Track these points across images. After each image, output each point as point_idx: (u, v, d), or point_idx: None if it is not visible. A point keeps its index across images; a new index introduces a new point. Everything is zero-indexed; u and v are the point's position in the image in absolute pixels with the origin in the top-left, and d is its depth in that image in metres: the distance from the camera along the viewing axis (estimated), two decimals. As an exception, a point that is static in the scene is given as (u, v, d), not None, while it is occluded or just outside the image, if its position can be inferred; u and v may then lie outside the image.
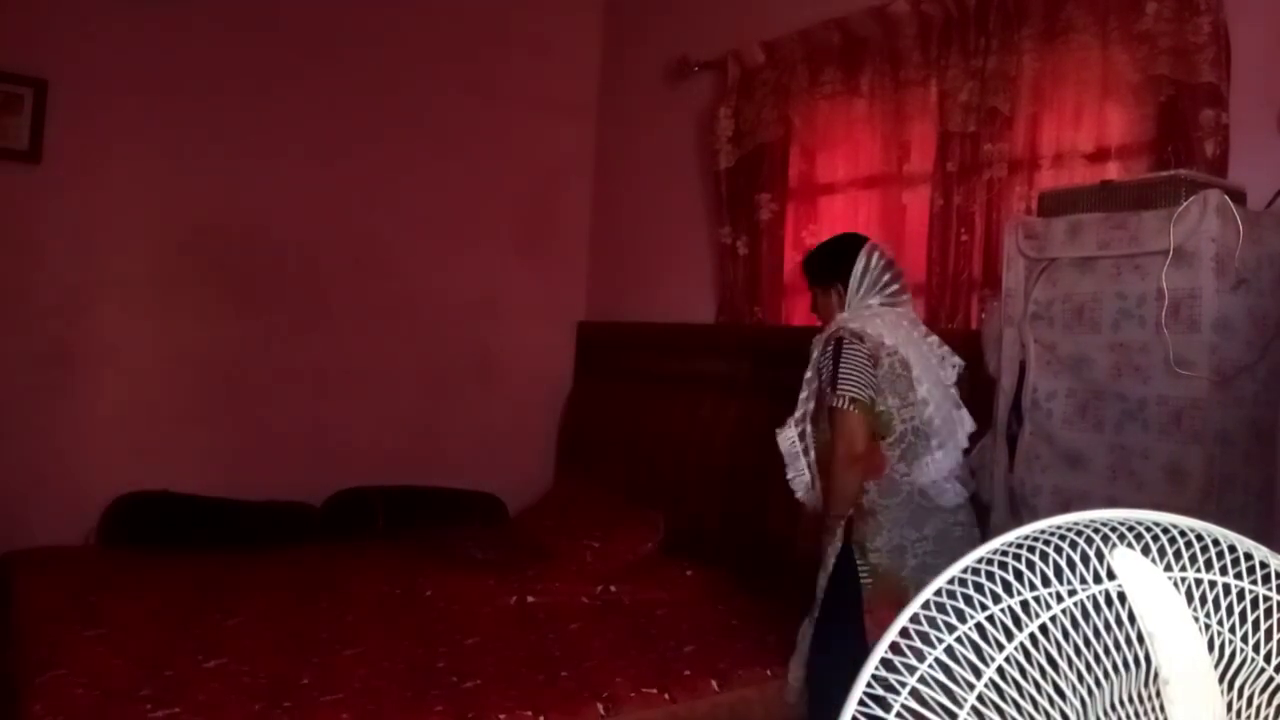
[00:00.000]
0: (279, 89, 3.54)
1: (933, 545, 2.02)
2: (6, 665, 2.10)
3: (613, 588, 2.81)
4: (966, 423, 2.18)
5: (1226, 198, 1.78)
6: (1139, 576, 0.78)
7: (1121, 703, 0.78)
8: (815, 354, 2.21)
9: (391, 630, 2.35)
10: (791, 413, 2.24)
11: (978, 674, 0.78)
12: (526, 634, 2.38)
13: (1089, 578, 0.80)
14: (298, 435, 3.61)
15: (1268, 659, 0.79)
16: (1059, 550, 0.80)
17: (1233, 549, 0.80)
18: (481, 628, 2.40)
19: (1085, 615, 0.80)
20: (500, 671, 2.10)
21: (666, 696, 2.05)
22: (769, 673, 2.24)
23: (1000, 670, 0.78)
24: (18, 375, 3.13)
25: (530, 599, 2.64)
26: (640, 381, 3.82)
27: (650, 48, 4.06)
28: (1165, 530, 0.80)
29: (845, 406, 2.02)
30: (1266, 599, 0.79)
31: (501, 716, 1.87)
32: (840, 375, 2.05)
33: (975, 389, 2.45)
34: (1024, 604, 0.80)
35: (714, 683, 2.14)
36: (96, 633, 2.19)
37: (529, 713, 1.90)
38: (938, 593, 0.81)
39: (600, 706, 1.97)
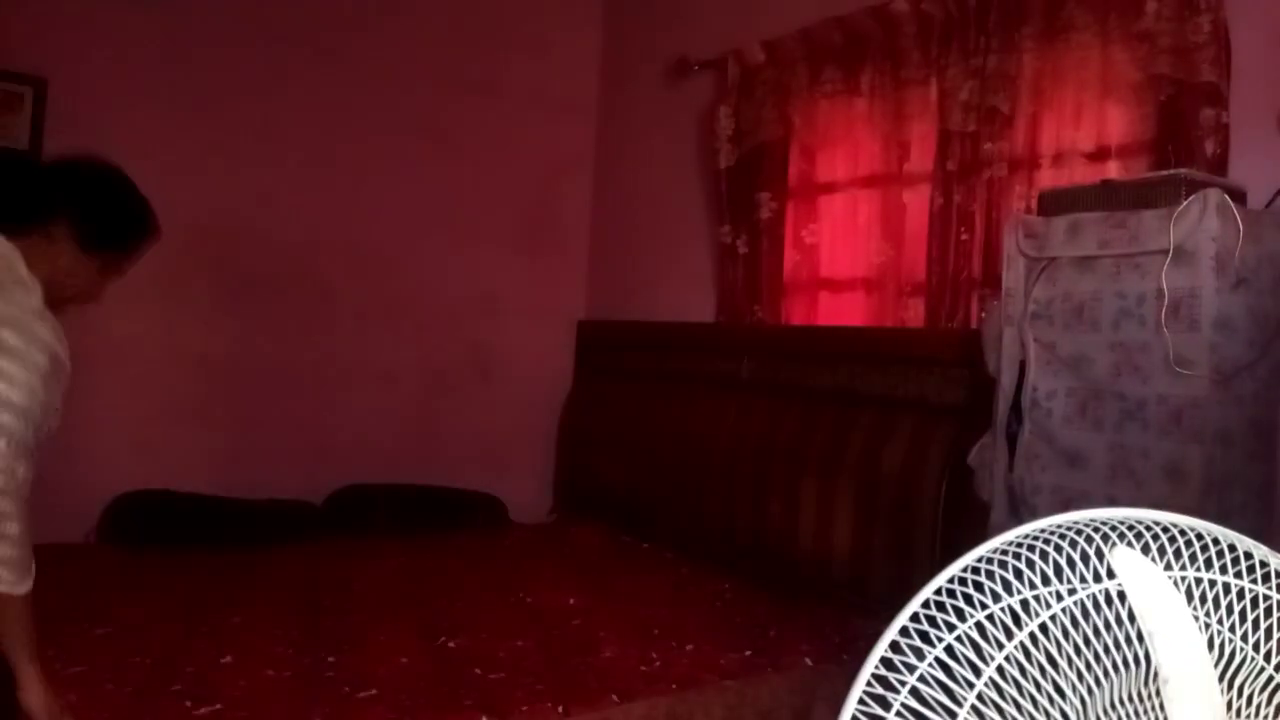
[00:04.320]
0: (279, 88, 3.54)
1: None
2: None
3: (622, 583, 2.83)
4: None
5: (1226, 197, 1.78)
6: (1139, 575, 0.78)
7: (1121, 701, 0.78)
8: None
9: (400, 626, 2.35)
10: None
11: (977, 673, 0.78)
12: (532, 629, 2.39)
13: (1089, 576, 0.80)
14: (298, 433, 3.62)
15: (1268, 658, 0.79)
16: (1058, 549, 0.80)
17: (1233, 548, 0.80)
18: (488, 624, 2.41)
19: (1085, 614, 0.80)
20: (516, 666, 2.13)
21: (675, 686, 2.09)
22: (767, 666, 2.25)
23: (1000, 669, 0.78)
24: (18, 374, 3.12)
25: (528, 599, 2.65)
26: (640, 381, 3.82)
27: (650, 47, 4.06)
28: (1165, 529, 0.80)
29: None
30: (1266, 598, 0.79)
31: (524, 709, 1.89)
32: None
33: (975, 388, 2.47)
34: (1024, 603, 0.80)
35: (718, 674, 2.17)
36: (105, 631, 2.19)
37: (548, 704, 1.92)
38: (938, 591, 0.81)
39: (614, 695, 2.01)
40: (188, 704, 1.81)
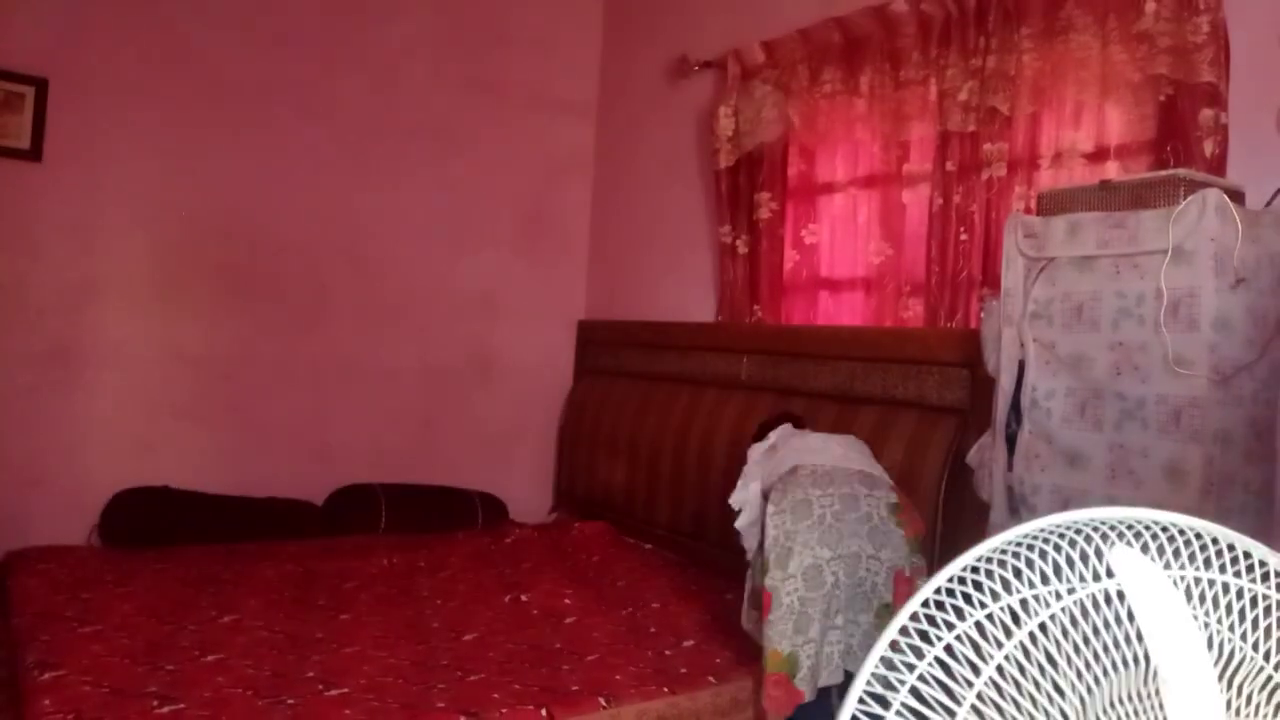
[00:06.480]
0: (279, 87, 3.54)
1: None
2: (7, 666, 2.10)
3: (620, 583, 2.83)
4: None
5: (1225, 197, 1.78)
6: (1138, 575, 0.78)
7: (1120, 701, 0.78)
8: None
9: (391, 627, 2.35)
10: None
11: (977, 672, 0.78)
12: (524, 630, 2.39)
13: (1088, 576, 0.80)
14: (298, 432, 3.62)
15: (1267, 657, 0.79)
16: (1058, 548, 0.80)
17: (1232, 547, 0.80)
18: (481, 623, 2.41)
19: (1084, 613, 0.80)
20: (502, 667, 2.11)
21: (666, 689, 2.07)
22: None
23: (999, 668, 0.78)
24: (18, 373, 3.12)
25: (524, 598, 2.65)
26: (640, 380, 3.82)
27: (650, 47, 4.06)
28: (1164, 529, 0.81)
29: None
30: (1265, 597, 0.79)
31: (504, 712, 1.88)
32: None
33: (975, 388, 2.47)
34: (1023, 602, 0.80)
35: (711, 677, 2.15)
36: (93, 630, 2.19)
37: (531, 707, 1.91)
38: (937, 591, 0.81)
39: (601, 699, 1.98)
40: (154, 704, 1.81)
